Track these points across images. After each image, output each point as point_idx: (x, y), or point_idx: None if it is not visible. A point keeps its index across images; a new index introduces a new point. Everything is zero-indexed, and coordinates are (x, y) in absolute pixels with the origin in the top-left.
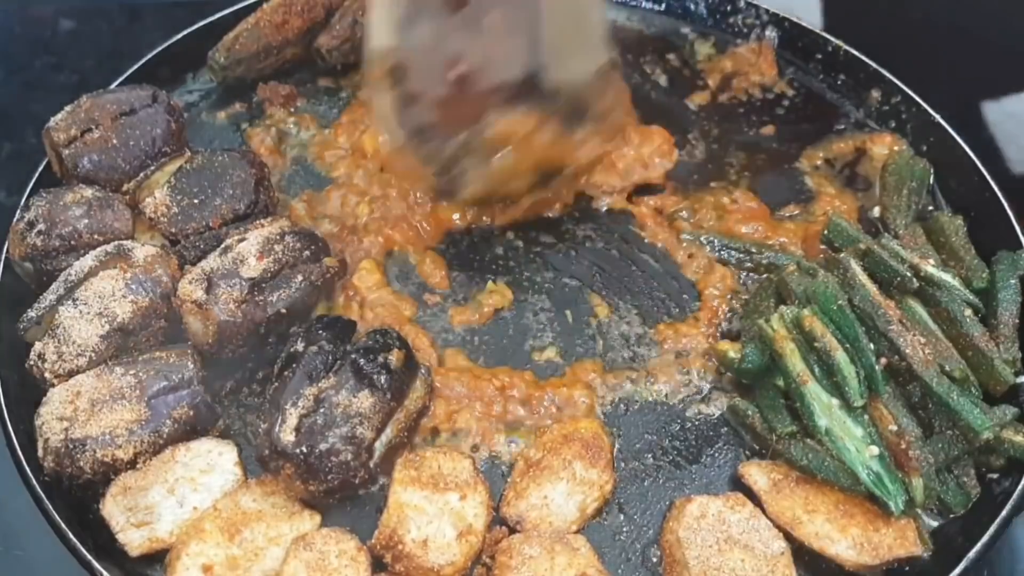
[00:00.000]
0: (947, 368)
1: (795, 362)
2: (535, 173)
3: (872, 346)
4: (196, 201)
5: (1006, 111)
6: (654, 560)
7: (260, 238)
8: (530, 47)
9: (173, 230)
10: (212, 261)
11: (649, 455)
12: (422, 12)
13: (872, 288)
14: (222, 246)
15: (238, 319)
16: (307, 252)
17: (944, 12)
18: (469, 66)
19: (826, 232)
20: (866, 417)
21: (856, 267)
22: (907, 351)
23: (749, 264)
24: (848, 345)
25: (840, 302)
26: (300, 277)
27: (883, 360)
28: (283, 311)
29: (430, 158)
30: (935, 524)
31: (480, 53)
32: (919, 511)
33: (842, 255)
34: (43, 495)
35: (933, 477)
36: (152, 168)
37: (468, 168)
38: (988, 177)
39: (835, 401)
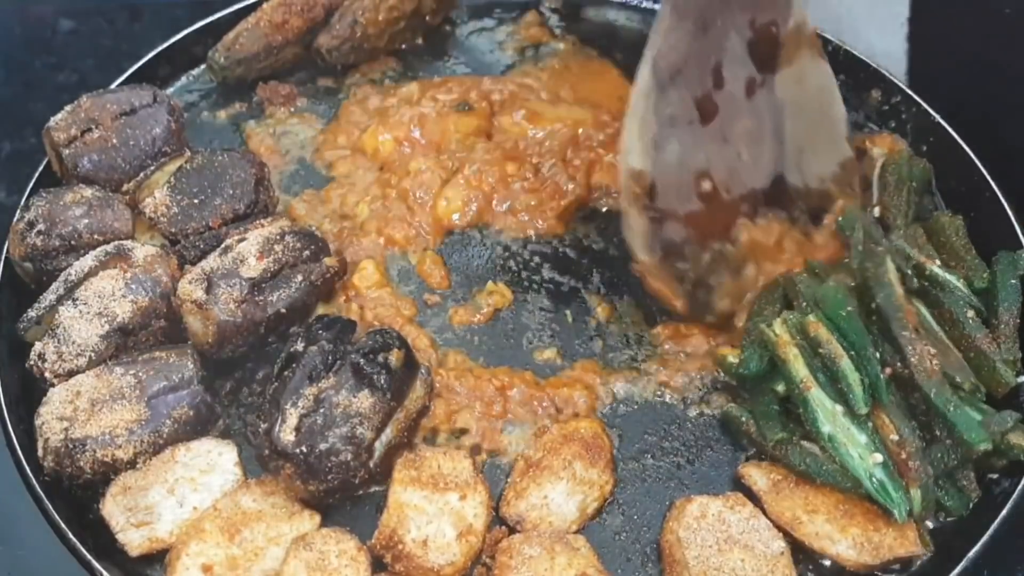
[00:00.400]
0: (957, 380)
1: (798, 368)
2: None
3: (878, 355)
4: (196, 201)
5: None
6: (654, 560)
7: (260, 238)
8: (774, 150)
9: (173, 230)
10: (212, 261)
11: (649, 455)
12: (675, 128)
13: (899, 290)
14: (222, 246)
15: (238, 319)
16: (307, 252)
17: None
18: (718, 178)
19: (839, 220)
20: (870, 424)
21: (890, 264)
22: (912, 360)
23: None
24: (853, 352)
25: (849, 308)
26: (300, 277)
27: (888, 369)
28: (283, 311)
29: (683, 274)
30: (935, 524)
31: (728, 163)
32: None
33: (881, 248)
34: (43, 495)
35: (932, 488)
36: (152, 168)
37: (719, 282)
38: (988, 177)
39: (839, 408)
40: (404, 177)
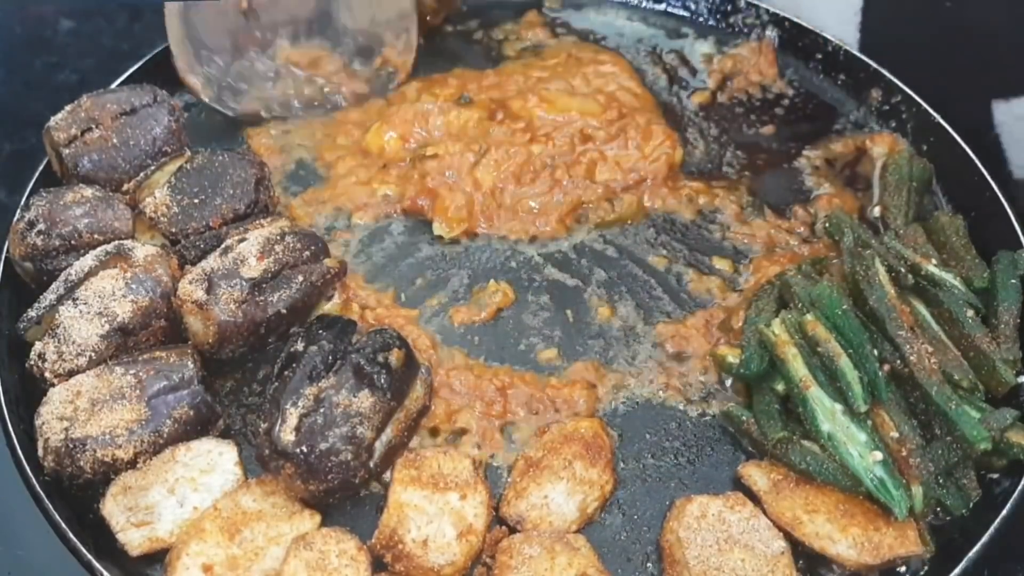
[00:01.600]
0: (956, 377)
1: (797, 367)
2: None
3: (875, 352)
4: (196, 201)
5: (1015, 113)
6: (654, 560)
7: (260, 238)
8: None
9: (173, 230)
10: (212, 261)
11: (649, 455)
12: None
13: (891, 290)
14: (222, 246)
15: (238, 319)
16: (307, 252)
17: (971, 13)
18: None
19: (827, 225)
20: (869, 423)
21: (879, 266)
22: (911, 358)
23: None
24: (851, 351)
25: (844, 307)
26: (301, 277)
27: (886, 367)
28: (283, 311)
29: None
30: (935, 524)
31: None
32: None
33: (869, 250)
34: (43, 495)
35: (933, 485)
36: (152, 168)
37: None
38: (988, 177)
39: (838, 406)
40: (426, 161)
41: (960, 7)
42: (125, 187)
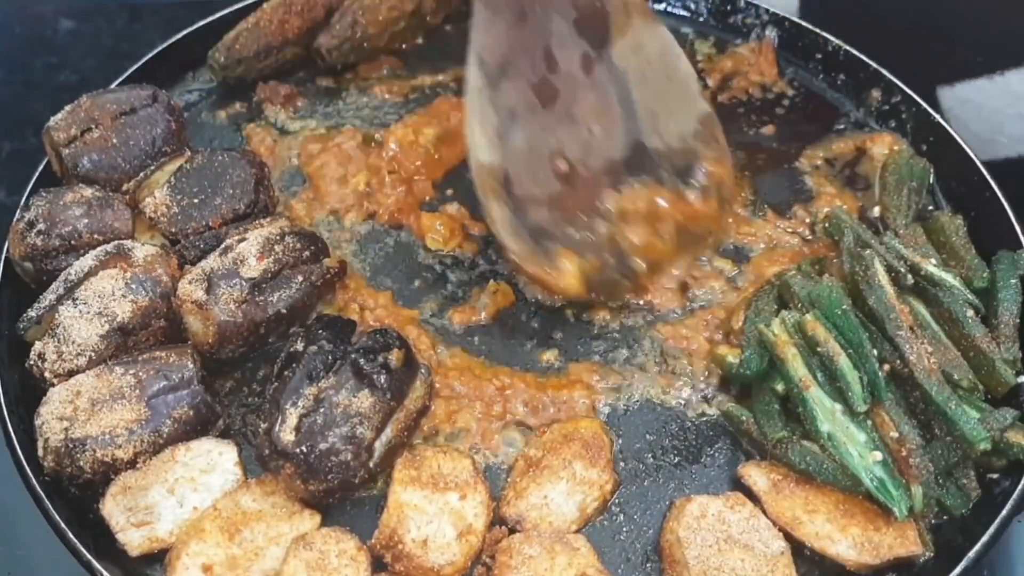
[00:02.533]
0: (955, 377)
1: (797, 367)
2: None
3: (875, 352)
4: (196, 201)
5: (959, 97)
6: (654, 560)
7: (260, 238)
8: (626, 119)
9: (173, 230)
10: (212, 261)
11: (649, 455)
12: (516, 118)
13: (890, 290)
14: (222, 246)
15: (238, 319)
16: (307, 252)
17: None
18: (573, 156)
19: (827, 225)
20: (869, 423)
21: (879, 266)
22: (911, 358)
23: None
24: (851, 350)
25: (844, 306)
26: (300, 278)
27: (886, 367)
28: (283, 311)
29: (580, 251)
30: (935, 524)
31: (580, 140)
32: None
33: (868, 250)
34: (43, 495)
35: (932, 484)
36: (152, 168)
37: (615, 263)
38: (988, 177)
39: (838, 406)
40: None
41: None
42: (125, 187)
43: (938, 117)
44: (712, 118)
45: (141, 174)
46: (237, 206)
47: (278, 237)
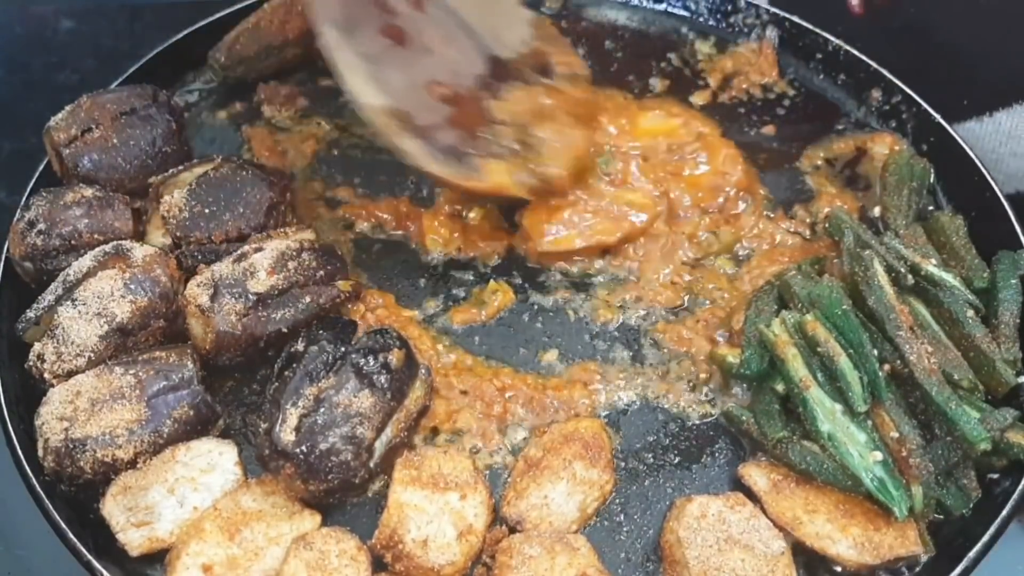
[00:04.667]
0: (955, 377)
1: (797, 367)
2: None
3: (875, 352)
4: (207, 211)
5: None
6: (654, 560)
7: (276, 252)
8: (472, 40)
9: (178, 233)
10: (224, 266)
11: (649, 455)
12: (381, 61)
13: (890, 290)
14: (238, 252)
15: (237, 331)
16: (321, 272)
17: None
18: (446, 80)
19: (827, 225)
20: (869, 423)
21: (878, 267)
22: (911, 358)
23: None
24: (851, 351)
25: (844, 307)
26: (308, 298)
27: (886, 367)
28: (284, 330)
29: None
30: (935, 524)
31: (445, 66)
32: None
33: (868, 251)
34: (43, 495)
35: (932, 485)
36: (182, 167)
37: (535, 156)
38: (988, 177)
39: (838, 406)
40: None
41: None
42: (151, 179)
43: (938, 117)
44: (540, 19)
45: (171, 169)
46: (244, 227)
47: (295, 253)
